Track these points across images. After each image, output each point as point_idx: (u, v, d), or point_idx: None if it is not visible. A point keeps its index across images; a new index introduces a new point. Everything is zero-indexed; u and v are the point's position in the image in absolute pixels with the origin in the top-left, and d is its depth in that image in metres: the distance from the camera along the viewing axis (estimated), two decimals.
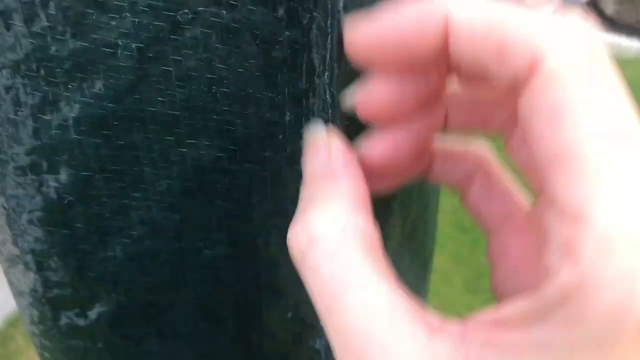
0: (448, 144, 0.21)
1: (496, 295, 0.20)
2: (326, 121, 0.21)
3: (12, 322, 1.34)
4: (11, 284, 0.25)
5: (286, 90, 0.20)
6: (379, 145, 0.19)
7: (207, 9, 0.18)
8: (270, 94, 0.20)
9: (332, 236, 0.16)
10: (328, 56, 0.20)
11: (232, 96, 0.20)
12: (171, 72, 0.19)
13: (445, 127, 0.20)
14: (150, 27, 0.18)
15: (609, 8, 2.84)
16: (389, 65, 0.17)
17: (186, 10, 0.17)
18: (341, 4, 0.19)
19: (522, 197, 0.20)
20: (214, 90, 0.19)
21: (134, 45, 0.18)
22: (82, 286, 0.25)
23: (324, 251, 0.16)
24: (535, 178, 0.18)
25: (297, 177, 0.23)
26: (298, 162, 0.22)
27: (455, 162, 0.21)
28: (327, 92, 0.21)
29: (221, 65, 0.19)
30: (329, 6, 0.19)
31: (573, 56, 0.13)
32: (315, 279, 0.16)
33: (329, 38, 0.19)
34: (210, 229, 0.23)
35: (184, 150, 0.21)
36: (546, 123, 0.13)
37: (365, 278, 0.15)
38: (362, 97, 0.18)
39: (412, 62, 0.16)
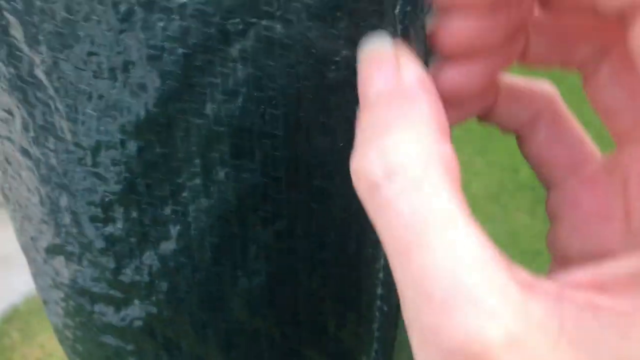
0: (515, 81, 0.18)
1: (556, 255, 0.18)
2: None
3: (7, 319, 1.36)
4: (46, 275, 0.25)
5: (340, 114, 0.18)
6: (450, 73, 0.16)
7: (260, 21, 0.16)
8: (322, 119, 0.18)
9: (417, 166, 0.13)
10: None
11: (280, 118, 0.18)
12: (218, 84, 0.17)
13: (523, 59, 0.17)
14: (198, 33, 0.16)
15: None
16: None
17: (237, 20, 0.16)
18: (422, 19, 0.16)
19: (592, 145, 0.18)
20: (261, 110, 0.18)
21: (180, 51, 0.17)
22: (117, 287, 0.24)
23: (407, 183, 0.13)
24: (619, 121, 0.16)
25: (346, 209, 0.21)
26: (348, 193, 0.20)
27: (522, 101, 0.18)
28: None
29: (270, 84, 0.17)
30: (401, 21, 0.16)
31: None
32: (392, 215, 0.13)
33: None
34: (248, 258, 0.22)
35: (226, 169, 0.19)
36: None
37: (454, 217, 0.13)
38: (441, 27, 0.15)
39: None
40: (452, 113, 0.16)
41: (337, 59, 0.17)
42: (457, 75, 0.16)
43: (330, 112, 0.18)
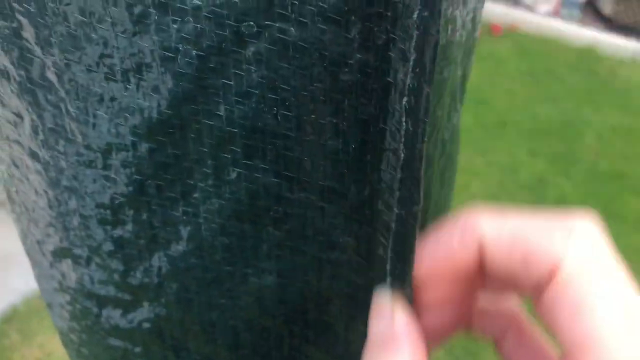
0: (485, 303, 0.22)
1: None
2: (395, 151, 0.18)
3: (7, 319, 1.35)
4: (52, 278, 0.25)
5: (352, 116, 0.18)
6: (429, 319, 0.21)
7: (274, 23, 0.16)
8: (335, 120, 0.18)
9: None
10: (409, 80, 0.17)
11: (293, 119, 0.18)
12: (231, 86, 0.17)
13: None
14: (213, 35, 0.16)
15: (607, 8, 2.82)
16: (439, 281, 0.19)
17: (251, 23, 0.16)
18: (438, 24, 0.16)
19: (552, 350, 0.21)
20: (274, 112, 0.18)
21: (194, 53, 0.17)
22: (126, 290, 0.24)
23: None
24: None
25: (357, 210, 0.21)
26: (359, 194, 0.20)
27: (492, 319, 0.22)
28: (404, 119, 0.18)
29: (284, 86, 0.17)
30: (415, 26, 0.16)
31: (586, 259, 0.16)
32: None
33: (411, 61, 0.17)
34: (259, 257, 0.22)
35: (238, 170, 0.19)
36: (568, 317, 0.16)
37: None
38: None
39: (457, 277, 0.19)
40: (437, 337, 0.22)
41: (350, 61, 0.17)
42: (434, 318, 0.20)
43: (342, 114, 0.18)
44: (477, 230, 0.18)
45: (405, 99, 0.17)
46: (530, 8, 3.00)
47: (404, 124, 0.18)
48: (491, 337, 0.22)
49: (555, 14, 2.92)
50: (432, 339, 0.21)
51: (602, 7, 2.79)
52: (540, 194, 1.81)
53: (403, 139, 0.18)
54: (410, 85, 0.17)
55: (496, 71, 2.47)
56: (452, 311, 0.21)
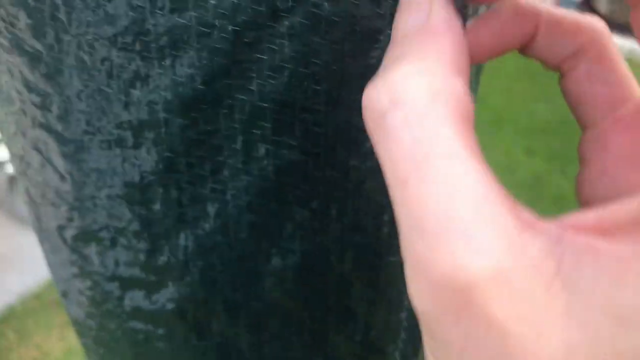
0: (560, 13, 0.18)
1: (581, 198, 0.18)
2: None
3: (4, 318, 1.34)
4: (71, 264, 0.26)
5: None
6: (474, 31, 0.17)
7: None
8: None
9: (423, 99, 0.13)
10: None
11: (322, 95, 0.19)
12: (265, 60, 0.18)
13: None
14: (249, 10, 0.17)
15: (603, 7, 2.83)
16: None
17: None
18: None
19: (636, 87, 0.18)
20: (305, 86, 0.18)
21: (230, 28, 0.17)
22: (150, 270, 0.24)
23: (411, 113, 0.13)
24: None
25: (381, 192, 0.21)
26: (383, 178, 0.21)
27: (567, 34, 0.18)
28: None
29: (316, 60, 0.18)
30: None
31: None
32: (394, 145, 0.13)
33: None
34: (283, 236, 0.22)
35: (267, 146, 0.20)
36: None
37: (454, 150, 0.13)
38: None
39: None
40: (490, 43, 0.17)
41: (381, 37, 0.17)
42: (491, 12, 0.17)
43: None
44: None
45: None
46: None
47: None
48: (556, 62, 0.19)
49: None
50: (473, 54, 0.17)
51: (598, 7, 2.83)
52: (537, 192, 1.82)
53: None
54: None
55: (493, 70, 2.49)
56: (504, 23, 0.17)
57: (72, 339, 1.28)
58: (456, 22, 0.15)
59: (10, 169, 1.37)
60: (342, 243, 0.23)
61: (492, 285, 0.12)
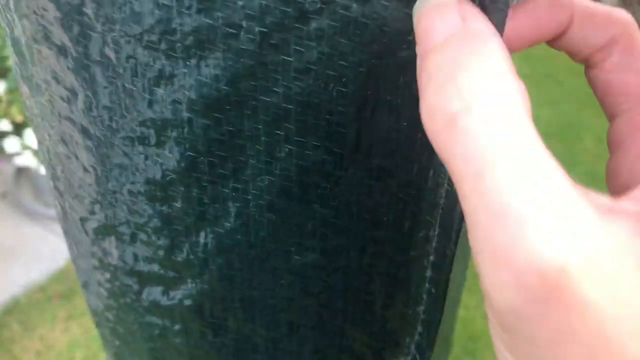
0: (591, 5, 0.18)
1: (617, 182, 0.18)
2: None
3: (8, 310, 1.35)
4: (92, 256, 0.26)
5: (407, 93, 0.18)
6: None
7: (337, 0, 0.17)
8: (389, 97, 0.19)
9: (496, 98, 0.14)
10: None
11: (348, 96, 0.19)
12: (291, 62, 0.18)
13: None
14: (277, 11, 0.17)
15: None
16: None
17: None
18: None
19: None
20: (330, 88, 0.18)
21: (257, 29, 0.17)
22: (169, 267, 0.24)
23: (486, 113, 0.14)
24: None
25: (403, 189, 0.22)
26: (407, 173, 0.21)
27: (598, 25, 0.18)
28: None
29: (342, 62, 0.18)
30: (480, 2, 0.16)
31: None
32: (469, 142, 0.13)
33: None
34: (303, 235, 0.22)
35: (290, 147, 0.20)
36: None
37: (531, 142, 0.13)
38: None
39: None
40: (525, 34, 0.18)
41: (409, 38, 0.17)
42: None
43: (397, 90, 0.18)
44: None
45: None
46: None
47: None
48: (586, 53, 0.19)
49: None
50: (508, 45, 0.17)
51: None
52: None
53: None
54: None
55: None
56: (541, 14, 0.18)
57: (76, 332, 1.29)
58: (492, 25, 0.15)
59: (17, 161, 1.37)
60: (363, 240, 0.23)
61: (584, 274, 0.12)
